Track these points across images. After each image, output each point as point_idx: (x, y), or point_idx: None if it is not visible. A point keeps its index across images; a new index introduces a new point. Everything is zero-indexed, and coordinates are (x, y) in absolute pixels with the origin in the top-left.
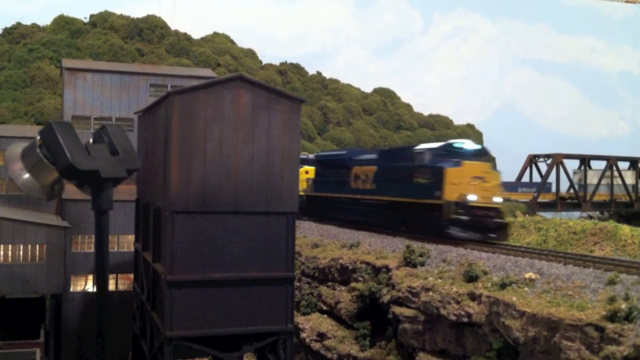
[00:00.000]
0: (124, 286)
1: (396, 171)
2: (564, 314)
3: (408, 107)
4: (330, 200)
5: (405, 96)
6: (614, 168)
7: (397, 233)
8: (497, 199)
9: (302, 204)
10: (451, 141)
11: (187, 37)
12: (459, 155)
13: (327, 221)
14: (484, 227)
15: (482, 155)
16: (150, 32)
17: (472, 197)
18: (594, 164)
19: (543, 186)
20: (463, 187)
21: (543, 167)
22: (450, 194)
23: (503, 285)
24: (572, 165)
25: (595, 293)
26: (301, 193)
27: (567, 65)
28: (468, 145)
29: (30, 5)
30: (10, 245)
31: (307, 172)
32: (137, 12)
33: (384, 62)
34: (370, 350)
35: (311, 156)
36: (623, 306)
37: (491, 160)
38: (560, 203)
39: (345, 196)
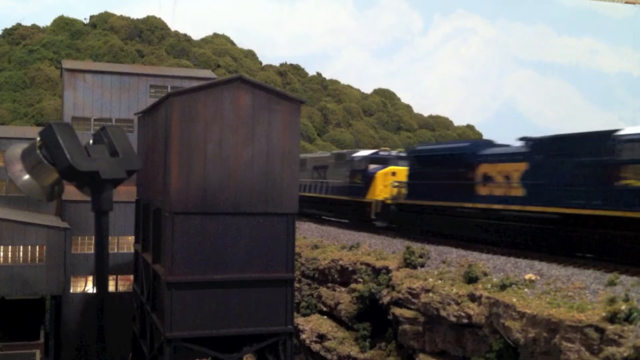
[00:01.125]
0: (124, 287)
1: (574, 169)
2: (564, 315)
3: (408, 108)
4: (441, 211)
5: (405, 97)
6: None
7: (396, 234)
8: None
9: (390, 215)
10: None
11: (187, 38)
12: None
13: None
14: None
15: None
16: (150, 33)
17: None
18: None
19: None
20: None
21: None
22: None
23: (503, 287)
24: None
25: (595, 294)
26: (388, 201)
27: (567, 66)
28: None
29: (31, 7)
30: (10, 247)
31: (393, 174)
32: (137, 13)
33: (384, 63)
34: (370, 352)
35: (394, 153)
36: (623, 307)
37: None
38: None
39: (470, 206)
